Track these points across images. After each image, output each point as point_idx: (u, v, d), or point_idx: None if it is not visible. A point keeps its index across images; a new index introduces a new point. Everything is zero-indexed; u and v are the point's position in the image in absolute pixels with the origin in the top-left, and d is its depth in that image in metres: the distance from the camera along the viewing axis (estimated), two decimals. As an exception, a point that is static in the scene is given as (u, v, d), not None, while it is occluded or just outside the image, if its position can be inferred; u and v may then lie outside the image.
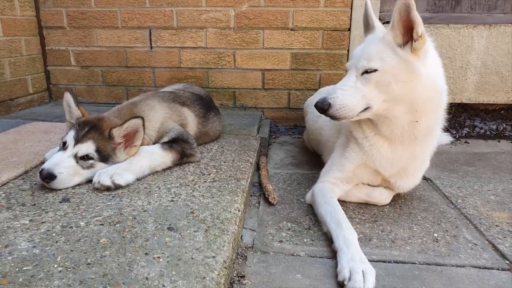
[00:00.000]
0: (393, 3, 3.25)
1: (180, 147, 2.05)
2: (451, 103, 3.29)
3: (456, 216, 1.80)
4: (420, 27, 1.51)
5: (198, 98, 2.46)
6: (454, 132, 3.19)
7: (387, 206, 1.88)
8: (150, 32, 3.40)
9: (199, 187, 1.81)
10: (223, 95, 3.46)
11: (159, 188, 1.76)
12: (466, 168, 2.44)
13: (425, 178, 2.23)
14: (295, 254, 1.49)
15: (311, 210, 1.83)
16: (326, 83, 3.26)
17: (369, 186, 1.88)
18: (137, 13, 3.36)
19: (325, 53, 3.28)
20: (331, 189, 1.82)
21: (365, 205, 1.90)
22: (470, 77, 3.19)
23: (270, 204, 1.91)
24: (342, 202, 1.90)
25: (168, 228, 1.42)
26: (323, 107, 1.60)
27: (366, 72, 1.57)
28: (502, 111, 3.34)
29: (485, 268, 1.41)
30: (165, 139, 2.05)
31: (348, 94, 1.58)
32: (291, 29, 3.25)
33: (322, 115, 2.34)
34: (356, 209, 1.87)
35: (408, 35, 1.54)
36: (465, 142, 3.00)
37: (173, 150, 2.01)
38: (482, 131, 3.21)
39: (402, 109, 1.59)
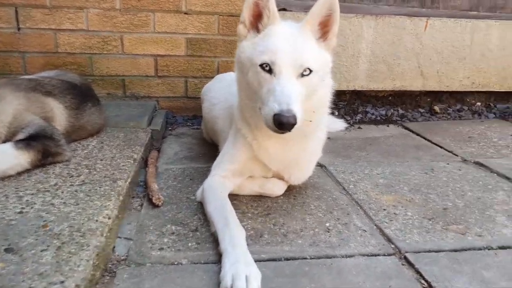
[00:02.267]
0: (288, -10, 3.18)
1: (42, 145, 1.68)
2: (345, 90, 3.35)
3: (348, 203, 1.75)
4: (337, 25, 1.49)
5: (70, 87, 2.08)
6: (349, 118, 3.25)
7: (281, 197, 1.77)
8: (16, 11, 2.85)
9: (63, 192, 1.49)
10: (110, 83, 3.06)
11: (7, 197, 1.40)
12: (358, 153, 2.46)
13: (320, 165, 2.17)
14: (176, 263, 1.27)
15: (202, 209, 1.62)
16: (224, 71, 3.06)
17: (263, 178, 1.74)
18: (-2, -13, 2.78)
19: (222, 39, 3.07)
20: (221, 183, 1.63)
21: (259, 197, 1.75)
22: (361, 65, 3.27)
23: (154, 205, 1.66)
24: (235, 196, 1.74)
25: (5, 250, 1.09)
26: (291, 121, 1.28)
27: (302, 74, 1.39)
28: (390, 98, 3.51)
29: (372, 255, 1.35)
30: (21, 135, 1.67)
31: (299, 102, 1.35)
32: (185, 13, 2.98)
33: (219, 102, 2.17)
34: (249, 202, 1.71)
35: (321, 31, 1.49)
36: (358, 127, 3.07)
37: (31, 149, 1.64)
38: (374, 116, 3.33)
39: (305, 109, 1.46)
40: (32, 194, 1.46)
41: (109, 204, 1.42)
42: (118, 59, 3.01)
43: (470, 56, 3.42)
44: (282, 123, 1.27)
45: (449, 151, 2.54)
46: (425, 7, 3.39)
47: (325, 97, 1.59)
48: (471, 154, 2.46)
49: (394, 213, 1.65)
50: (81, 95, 2.11)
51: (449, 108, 3.57)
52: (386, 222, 1.57)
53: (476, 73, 3.48)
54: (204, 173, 2.01)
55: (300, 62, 1.38)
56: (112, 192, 1.52)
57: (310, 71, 1.40)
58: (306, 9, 3.14)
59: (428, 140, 2.77)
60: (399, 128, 3.11)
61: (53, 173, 1.67)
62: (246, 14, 1.49)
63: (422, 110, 3.52)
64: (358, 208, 1.70)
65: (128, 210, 1.64)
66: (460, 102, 3.63)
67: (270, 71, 1.39)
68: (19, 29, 2.89)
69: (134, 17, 2.94)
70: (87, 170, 1.72)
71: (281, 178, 1.74)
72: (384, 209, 1.68)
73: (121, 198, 1.53)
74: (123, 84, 3.08)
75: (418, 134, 2.92)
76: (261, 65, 1.39)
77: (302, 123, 1.43)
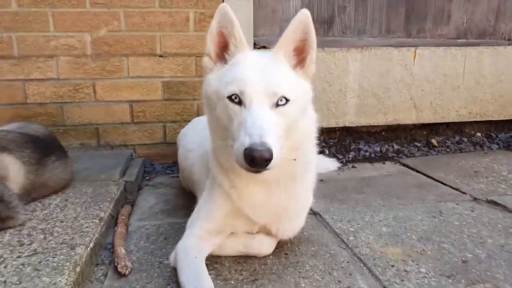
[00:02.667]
0: (268, 28, 3.12)
1: (-11, 209, 1.47)
2: (335, 128, 3.22)
3: (349, 259, 1.53)
4: (315, 51, 1.37)
5: (30, 140, 1.90)
6: (341, 157, 3.09)
7: (270, 256, 1.55)
8: (-19, 62, 2.72)
9: (6, 267, 1.27)
10: (83, 133, 2.89)
11: None
12: (355, 196, 2.27)
13: (313, 212, 1.97)
14: None
15: (176, 276, 1.39)
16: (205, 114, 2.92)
17: (247, 234, 1.53)
18: (-38, 39, 2.67)
19: (200, 81, 2.95)
20: (197, 246, 1.42)
21: (245, 258, 1.54)
22: (350, 100, 3.16)
23: (120, 274, 1.43)
24: (216, 258, 1.52)
25: None
26: (264, 155, 1.10)
27: (277, 104, 1.24)
28: (383, 133, 3.38)
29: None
30: (-37, 200, 1.46)
31: (275, 135, 1.19)
32: (160, 56, 2.88)
33: (194, 148, 2.01)
34: (233, 265, 1.49)
35: (297, 58, 1.37)
36: (352, 166, 2.90)
37: (-26, 215, 1.42)
38: (368, 154, 3.17)
39: (287, 145, 1.29)
40: (-33, 273, 1.23)
41: (60, 280, 1.20)
42: (91, 107, 2.87)
43: (464, 85, 3.35)
44: (254, 158, 1.10)
45: (455, 189, 2.37)
46: (411, 37, 3.35)
47: (309, 130, 1.43)
48: (481, 191, 2.29)
49: (405, 271, 1.43)
50: (43, 148, 1.92)
51: (447, 141, 3.44)
52: (397, 283, 1.35)
53: (472, 102, 3.40)
54: (181, 230, 1.79)
55: (273, 90, 1.23)
56: (67, 264, 1.30)
57: (287, 100, 1.25)
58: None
59: (430, 177, 2.61)
60: (397, 165, 2.95)
61: (0, 242, 1.45)
62: (211, 45, 1.35)
63: (418, 144, 3.38)
64: (362, 265, 1.49)
65: (88, 282, 1.41)
66: (458, 133, 3.52)
67: (240, 102, 1.24)
68: (-16, 80, 2.75)
69: (107, 63, 2.83)
70: (42, 236, 1.50)
71: (268, 232, 1.53)
72: (392, 266, 1.47)
73: (78, 269, 1.31)
74: (97, 133, 2.91)
75: (418, 171, 2.76)
76: (229, 97, 1.24)
77: (285, 162, 1.26)
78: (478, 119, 3.45)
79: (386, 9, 3.26)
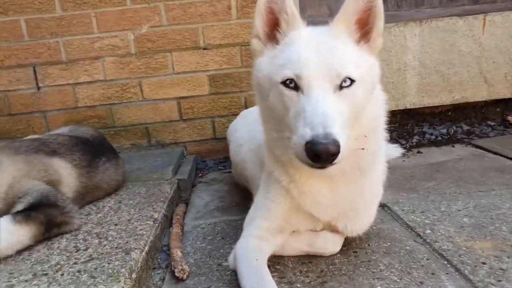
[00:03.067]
0: (316, 8, 2.94)
1: (45, 214, 1.46)
2: (395, 111, 2.97)
3: (429, 256, 1.35)
4: (382, 21, 1.18)
5: (79, 142, 1.89)
6: (404, 142, 2.85)
7: (338, 255, 1.40)
8: (34, 70, 2.80)
9: (63, 275, 1.23)
10: (134, 133, 2.90)
11: (-7, 290, 1.15)
12: (425, 184, 2.05)
13: (380, 205, 1.79)
14: None
15: (237, 279, 1.29)
16: (254, 105, 2.80)
17: (311, 232, 1.40)
18: (15, 49, 2.76)
19: (246, 71, 2.84)
20: (257, 247, 1.30)
21: (310, 257, 1.41)
22: (410, 79, 2.90)
23: (178, 279, 1.36)
24: (279, 258, 1.40)
25: None
26: (331, 149, 0.96)
27: (341, 86, 1.09)
28: (449, 113, 3.08)
29: None
30: (20, 206, 1.46)
31: (341, 123, 1.04)
32: (204, 48, 2.80)
33: (245, 142, 1.90)
34: (297, 266, 1.36)
35: (360, 31, 1.19)
36: (418, 152, 2.65)
37: (31, 221, 1.42)
38: (433, 137, 2.90)
39: (353, 134, 1.13)
40: (26, 281, 1.21)
41: (116, 288, 1.14)
42: (139, 106, 2.86)
43: (544, 53, 2.95)
44: (319, 154, 0.95)
45: (543, 170, 2.07)
46: (478, 3, 3.00)
47: (378, 115, 1.26)
48: None
49: (501, 269, 1.23)
50: (93, 150, 1.91)
51: (525, 117, 3.06)
52: (493, 285, 1.15)
53: (554, 72, 2.99)
54: (238, 228, 1.70)
55: (336, 70, 1.07)
56: (122, 270, 1.24)
57: (352, 81, 1.09)
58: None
59: (509, 158, 2.30)
60: (469, 148, 2.66)
61: (57, 247, 1.43)
62: (259, 24, 1.21)
63: (492, 123, 3.04)
64: (445, 263, 1.30)
65: (146, 288, 1.35)
66: (538, 108, 3.12)
67: (296, 88, 1.09)
68: (38, 88, 2.83)
69: (151, 60, 2.80)
70: (97, 240, 1.46)
71: (334, 229, 1.39)
72: (484, 263, 1.27)
73: (133, 275, 1.25)
74: (147, 132, 2.90)
75: (495, 153, 2.46)
76: (283, 82, 1.10)
77: (351, 153, 1.10)
78: (562, 90, 3.04)
79: (447, -27, 2.94)
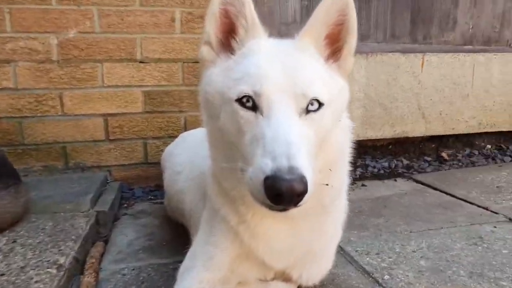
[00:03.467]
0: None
1: None
2: (339, 142, 2.90)
3: (393, 310, 1.18)
4: (355, 38, 1.04)
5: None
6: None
7: (291, 310, 1.18)
8: None
9: None
10: (47, 153, 2.47)
11: None
12: (375, 220, 1.94)
13: (332, 245, 1.62)
14: None
15: None
16: (194, 127, 2.55)
17: (260, 283, 1.16)
18: None
19: (188, 90, 2.61)
20: (195, 305, 1.04)
21: (257, 313, 1.16)
22: (355, 111, 2.86)
23: None
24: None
25: None
26: (297, 188, 0.76)
27: (307, 110, 0.91)
28: (390, 146, 3.09)
29: None
30: None
31: (306, 154, 0.85)
32: (141, 61, 2.52)
33: (184, 170, 1.64)
34: (242, 325, 1.12)
35: (330, 47, 1.04)
36: (362, 185, 2.58)
37: None
38: (376, 170, 2.87)
39: (317, 165, 0.94)
40: None
41: None
42: (57, 122, 2.46)
43: (474, 94, 3.11)
44: (281, 193, 0.76)
45: (484, 208, 2.07)
46: (417, 42, 3.11)
47: (344, 144, 1.10)
48: (513, 210, 2.00)
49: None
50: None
51: (458, 154, 3.17)
52: None
53: (482, 112, 3.16)
54: (170, 275, 1.42)
55: (302, 90, 0.89)
56: None
57: (320, 104, 0.92)
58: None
59: (451, 195, 2.31)
60: (410, 182, 2.65)
61: None
62: (212, 29, 1.00)
63: (428, 159, 3.10)
64: (413, 320, 1.14)
65: None
66: (468, 146, 3.26)
67: (254, 108, 0.89)
68: None
69: (77, 70, 2.44)
70: (-24, 297, 1.09)
71: (288, 278, 1.17)
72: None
73: None
74: (65, 152, 2.50)
75: (435, 188, 2.45)
76: (239, 100, 0.90)
77: (315, 188, 0.91)
78: (488, 130, 3.22)
79: (390, 12, 3.01)
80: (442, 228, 1.81)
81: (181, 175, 1.60)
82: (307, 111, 0.90)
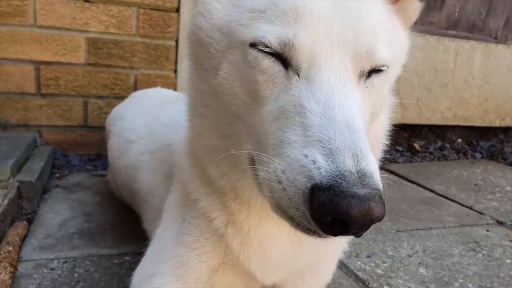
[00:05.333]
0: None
1: None
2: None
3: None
4: None
5: None
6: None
7: (277, 331, 0.96)
8: None
9: None
10: (-44, 103, 2.01)
11: None
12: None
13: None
14: None
15: None
16: (146, 88, 2.21)
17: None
18: None
19: (142, 42, 2.24)
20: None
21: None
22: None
23: None
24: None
25: None
26: (378, 214, 0.51)
27: (368, 74, 0.65)
28: (364, 131, 2.96)
29: None
30: None
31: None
32: (86, 0, 2.10)
33: (140, 139, 1.34)
34: None
35: None
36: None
37: None
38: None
39: None
40: None
41: None
42: (-29, 64, 2.00)
43: (453, 83, 3.04)
44: (348, 219, 0.50)
45: (467, 207, 1.98)
46: (402, 20, 2.95)
47: (385, 125, 0.86)
48: (498, 212, 1.93)
49: None
50: None
51: (429, 146, 3.12)
52: None
53: (459, 104, 3.11)
54: (115, 273, 1.14)
55: (367, 46, 0.63)
56: None
57: (380, 68, 0.66)
58: None
59: (430, 190, 2.21)
60: (383, 172, 2.50)
61: None
62: None
63: (400, 148, 3.01)
64: None
65: None
66: (440, 138, 3.22)
67: (283, 62, 0.62)
68: None
69: (0, 0, 1.98)
70: None
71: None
72: None
73: None
74: (-20, 104, 2.05)
75: (412, 181, 2.35)
76: (256, 46, 0.61)
77: None
78: (462, 123, 3.19)
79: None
80: (431, 228, 1.68)
81: (135, 146, 1.29)
82: (368, 75, 0.65)
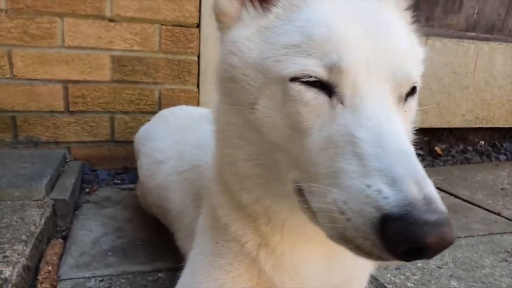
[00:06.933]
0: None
1: None
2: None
3: None
4: None
5: None
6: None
7: None
8: None
9: None
10: (-9, 123, 2.07)
11: None
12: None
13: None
14: None
15: None
16: (170, 104, 2.24)
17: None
18: None
19: (164, 58, 2.26)
20: None
21: None
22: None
23: None
24: None
25: None
26: (450, 236, 0.51)
27: (407, 96, 0.68)
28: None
29: None
30: None
31: None
32: (110, 20, 2.14)
33: (169, 160, 1.35)
34: None
35: None
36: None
37: None
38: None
39: None
40: None
41: None
42: (5, 86, 2.06)
43: (474, 85, 2.98)
44: (424, 246, 0.49)
45: (495, 213, 1.93)
46: (419, 23, 2.90)
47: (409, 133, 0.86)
48: (529, 218, 1.88)
49: None
50: None
51: (451, 149, 3.06)
52: None
53: (480, 106, 3.04)
54: (151, 291, 1.15)
55: (404, 70, 0.63)
56: None
57: (413, 89, 0.68)
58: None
59: (456, 196, 2.16)
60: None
61: None
62: None
63: (421, 152, 2.96)
64: None
65: None
66: (462, 141, 3.15)
67: (328, 91, 0.62)
68: None
69: (30, 23, 2.03)
70: None
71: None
72: None
73: None
74: (14, 123, 2.11)
75: (436, 187, 2.29)
76: (297, 79, 0.61)
77: None
78: (484, 125, 3.11)
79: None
80: (460, 237, 1.64)
81: (164, 166, 1.30)
82: (406, 98, 0.65)
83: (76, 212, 1.72)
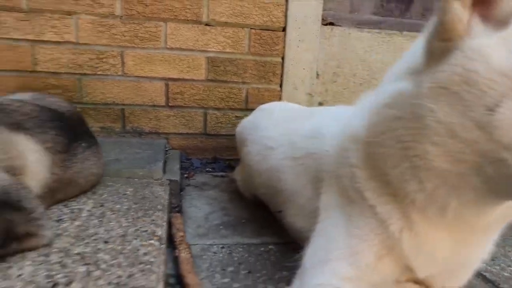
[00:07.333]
0: (336, 1, 2.63)
1: (1, 220, 0.95)
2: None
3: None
4: None
5: (54, 117, 1.37)
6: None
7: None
8: (-20, 14, 2.17)
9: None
10: (106, 114, 2.35)
11: None
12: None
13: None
14: None
15: None
16: (255, 102, 2.42)
17: (397, 282, 1.04)
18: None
19: (252, 59, 2.45)
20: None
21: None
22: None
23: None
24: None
25: None
26: None
27: None
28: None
29: None
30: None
31: None
32: (206, 24, 2.35)
33: (280, 147, 1.50)
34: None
35: None
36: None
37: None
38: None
39: None
40: None
41: None
42: (117, 82, 2.33)
43: None
44: None
45: None
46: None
47: None
48: None
49: None
50: (69, 130, 1.40)
51: None
52: None
53: None
54: (266, 259, 1.31)
55: None
56: (138, 327, 0.79)
57: None
58: (359, 24, 2.60)
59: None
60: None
61: (17, 276, 0.93)
62: None
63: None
64: None
65: None
66: None
67: None
68: (-18, 38, 2.19)
69: (140, 28, 2.29)
70: (84, 269, 0.98)
71: (424, 284, 1.04)
72: None
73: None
74: (123, 115, 2.38)
75: None
76: None
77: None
78: None
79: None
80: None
81: (275, 151, 1.46)
82: None
83: (181, 193, 1.93)
